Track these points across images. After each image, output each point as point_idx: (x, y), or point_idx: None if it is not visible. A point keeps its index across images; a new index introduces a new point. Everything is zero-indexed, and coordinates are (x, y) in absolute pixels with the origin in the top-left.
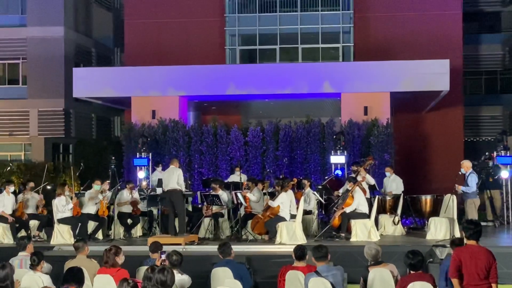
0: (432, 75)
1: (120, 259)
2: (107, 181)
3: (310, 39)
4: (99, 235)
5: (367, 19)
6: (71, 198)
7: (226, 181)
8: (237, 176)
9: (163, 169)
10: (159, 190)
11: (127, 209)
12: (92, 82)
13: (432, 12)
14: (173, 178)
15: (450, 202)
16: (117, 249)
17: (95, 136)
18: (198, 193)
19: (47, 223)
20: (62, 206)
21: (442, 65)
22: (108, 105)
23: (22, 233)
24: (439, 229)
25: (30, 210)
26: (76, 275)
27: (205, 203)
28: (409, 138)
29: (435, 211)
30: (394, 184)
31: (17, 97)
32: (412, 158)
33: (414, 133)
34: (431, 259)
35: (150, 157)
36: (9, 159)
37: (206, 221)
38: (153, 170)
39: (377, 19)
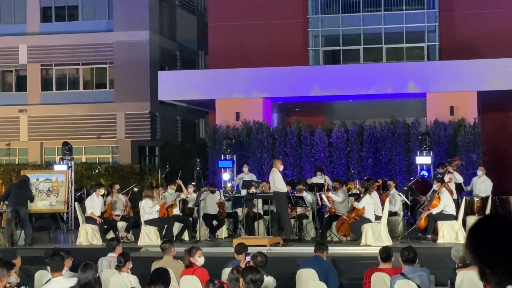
0: None
1: (196, 260)
2: (192, 183)
3: (394, 38)
4: (185, 236)
5: (452, 17)
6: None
7: (310, 182)
8: (320, 179)
9: (249, 170)
10: (243, 192)
11: (213, 210)
12: (177, 85)
13: None
14: (271, 180)
15: None
16: (191, 249)
17: (180, 138)
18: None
19: (134, 225)
20: (149, 208)
21: None
22: (193, 108)
23: (111, 234)
24: None
25: (117, 212)
26: (163, 275)
27: (289, 205)
28: (498, 138)
29: None
30: (483, 185)
31: (104, 101)
32: (501, 158)
33: (503, 133)
34: None
35: (235, 159)
36: (97, 162)
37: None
38: (240, 171)
39: (463, 17)
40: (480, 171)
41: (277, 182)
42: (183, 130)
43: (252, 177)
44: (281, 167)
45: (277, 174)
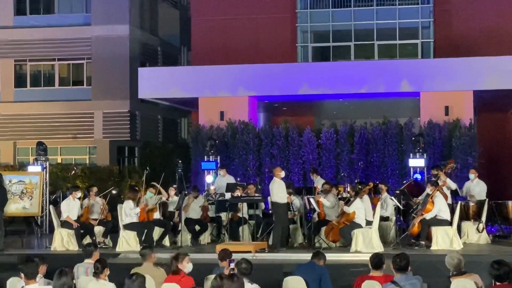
0: None
1: (184, 266)
2: (174, 186)
3: (386, 35)
4: (166, 242)
5: (448, 12)
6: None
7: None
8: (319, 181)
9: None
10: (227, 195)
11: (195, 215)
12: (158, 83)
13: None
14: (270, 190)
15: None
16: (178, 255)
17: (161, 138)
18: (269, 198)
19: (112, 229)
20: (130, 210)
21: None
22: (175, 106)
23: (87, 239)
24: None
25: (94, 216)
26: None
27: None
28: (494, 140)
29: None
30: (477, 188)
31: (82, 99)
32: (497, 161)
33: (500, 135)
34: None
35: (219, 161)
36: (73, 163)
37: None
38: (216, 174)
39: (459, 13)
40: (472, 175)
41: (275, 193)
42: (165, 130)
43: (229, 179)
44: (282, 174)
45: (276, 184)
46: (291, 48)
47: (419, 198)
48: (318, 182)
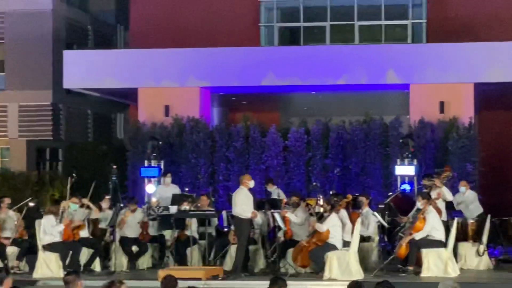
0: None
1: None
2: (107, 197)
3: (369, 14)
4: (96, 266)
5: None
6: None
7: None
8: (276, 191)
9: (174, 181)
10: (173, 209)
11: (132, 233)
12: (88, 69)
13: None
14: (233, 202)
15: None
16: (112, 283)
17: (91, 138)
18: (224, 213)
19: (29, 250)
20: (51, 227)
21: None
22: (109, 99)
23: None
24: None
25: (7, 234)
26: None
27: (232, 227)
28: (499, 144)
29: None
30: (472, 203)
31: None
32: (502, 169)
33: (506, 138)
34: None
35: (162, 166)
36: None
37: (233, 249)
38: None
39: None
40: (463, 187)
41: (238, 205)
42: (96, 128)
43: (174, 190)
44: (251, 184)
45: (240, 195)
46: (252, 28)
47: (409, 215)
48: (278, 193)
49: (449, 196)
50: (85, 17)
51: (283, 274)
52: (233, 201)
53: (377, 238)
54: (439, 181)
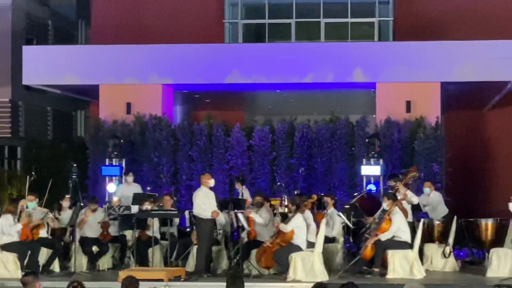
0: (497, 60)
1: None
2: (67, 196)
3: (336, 11)
4: (55, 266)
5: None
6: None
7: None
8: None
9: (136, 181)
10: (135, 209)
11: (93, 233)
12: (48, 65)
13: None
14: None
15: None
16: (71, 284)
17: (51, 136)
18: (186, 213)
19: None
20: (9, 226)
21: (509, 47)
22: (69, 96)
23: None
24: (503, 264)
25: None
26: None
27: (194, 227)
28: (466, 144)
29: (499, 240)
30: (437, 204)
31: None
32: (469, 170)
33: (473, 137)
34: None
35: (124, 165)
36: None
37: (196, 249)
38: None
39: None
40: (427, 188)
41: (197, 206)
42: (56, 126)
43: (136, 189)
44: (211, 183)
45: (199, 195)
46: (216, 25)
47: (375, 215)
48: (245, 193)
49: (414, 199)
50: (45, 12)
51: (246, 276)
52: (193, 200)
53: (342, 239)
54: (402, 185)
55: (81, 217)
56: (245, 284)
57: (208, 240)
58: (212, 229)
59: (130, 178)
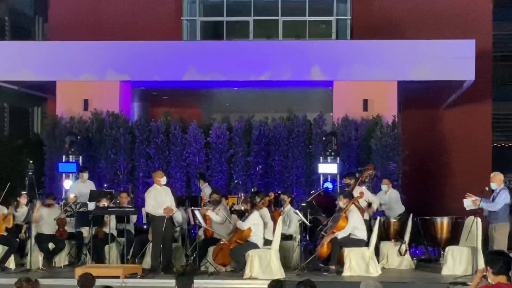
0: (453, 60)
1: None
2: (23, 193)
3: (293, 9)
4: (10, 263)
5: None
6: None
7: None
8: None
9: (93, 178)
10: (91, 206)
11: (49, 229)
12: (4, 61)
13: None
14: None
15: (474, 226)
16: (26, 281)
17: (7, 132)
18: (143, 210)
19: None
20: None
21: (466, 47)
22: (26, 92)
23: None
24: (458, 262)
25: None
26: None
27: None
28: (422, 142)
29: (454, 238)
30: (394, 202)
31: None
32: (425, 168)
33: (429, 136)
34: None
35: (81, 161)
36: None
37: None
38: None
39: None
40: (385, 185)
41: (148, 204)
42: (12, 122)
43: (90, 186)
44: (163, 180)
45: (150, 193)
46: (175, 22)
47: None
48: (206, 190)
49: (371, 198)
50: (2, 8)
51: (203, 273)
52: (145, 198)
53: (299, 237)
54: (359, 183)
55: (38, 212)
56: (202, 280)
57: (163, 238)
58: (168, 227)
59: (85, 175)
